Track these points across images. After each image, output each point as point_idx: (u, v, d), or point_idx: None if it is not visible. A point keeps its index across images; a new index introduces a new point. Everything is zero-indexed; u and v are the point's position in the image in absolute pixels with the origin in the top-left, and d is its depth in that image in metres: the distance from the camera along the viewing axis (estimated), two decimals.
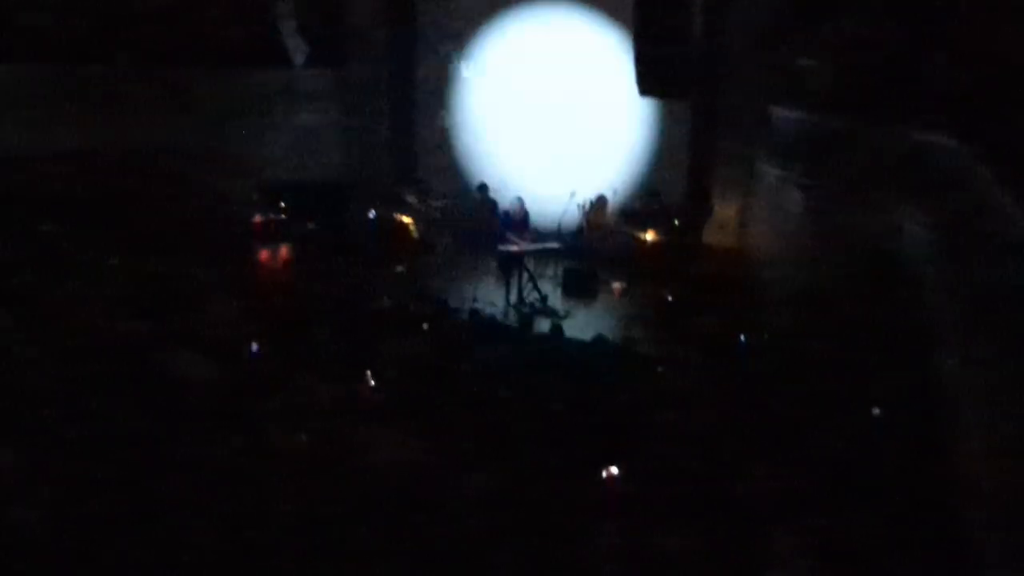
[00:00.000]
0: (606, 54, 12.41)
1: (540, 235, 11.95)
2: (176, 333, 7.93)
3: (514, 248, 11.10)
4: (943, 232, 7.80)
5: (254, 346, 7.79)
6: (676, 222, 11.58)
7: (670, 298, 10.23)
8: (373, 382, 7.43)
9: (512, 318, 10.24)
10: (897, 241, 8.39)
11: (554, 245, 11.58)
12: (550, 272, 11.51)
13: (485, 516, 5.97)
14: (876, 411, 6.79)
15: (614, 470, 6.39)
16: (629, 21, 11.86)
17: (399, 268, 11.14)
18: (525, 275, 10.95)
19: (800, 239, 9.91)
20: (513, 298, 10.78)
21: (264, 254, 10.79)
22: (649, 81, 11.71)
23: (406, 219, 12.28)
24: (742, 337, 8.70)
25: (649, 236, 11.63)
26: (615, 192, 12.48)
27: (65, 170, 10.25)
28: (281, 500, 6.09)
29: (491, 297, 10.74)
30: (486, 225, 12.20)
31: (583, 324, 9.90)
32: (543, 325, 9.83)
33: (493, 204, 12.62)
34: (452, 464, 6.37)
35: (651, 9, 11.59)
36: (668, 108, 12.21)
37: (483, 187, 12.73)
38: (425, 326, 8.81)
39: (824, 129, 9.78)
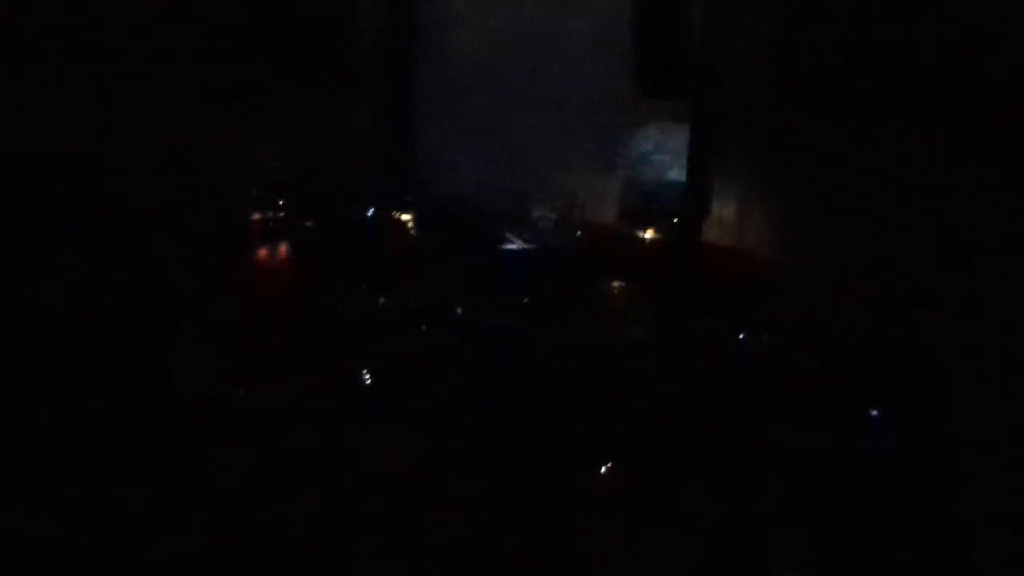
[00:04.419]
0: (606, 52, 12.37)
1: (540, 234, 11.90)
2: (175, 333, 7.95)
3: (514, 247, 11.07)
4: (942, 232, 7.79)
5: None
6: (675, 221, 11.56)
7: (669, 297, 10.21)
8: (369, 380, 7.43)
9: (510, 317, 10.21)
10: (896, 241, 8.38)
11: (553, 244, 11.55)
12: (549, 271, 11.47)
13: (480, 515, 5.98)
14: (874, 412, 6.79)
15: (611, 469, 6.39)
16: (629, 20, 11.81)
17: (398, 267, 11.12)
18: (524, 274, 10.93)
19: (800, 238, 9.89)
20: (512, 297, 10.75)
21: (263, 252, 10.78)
22: (649, 81, 11.68)
23: (405, 217, 12.25)
24: (741, 336, 8.69)
25: (648, 235, 11.61)
26: (615, 192, 12.44)
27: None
28: (279, 500, 6.10)
29: (490, 296, 10.71)
30: (485, 223, 12.16)
31: (582, 323, 9.88)
32: (541, 324, 9.81)
33: (492, 203, 12.57)
34: (447, 463, 6.37)
35: (651, 8, 11.56)
36: (668, 107, 12.15)
37: (482, 186, 12.69)
38: (423, 325, 8.82)
39: (825, 128, 9.76)
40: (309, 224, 11.55)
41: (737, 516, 6.02)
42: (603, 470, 6.38)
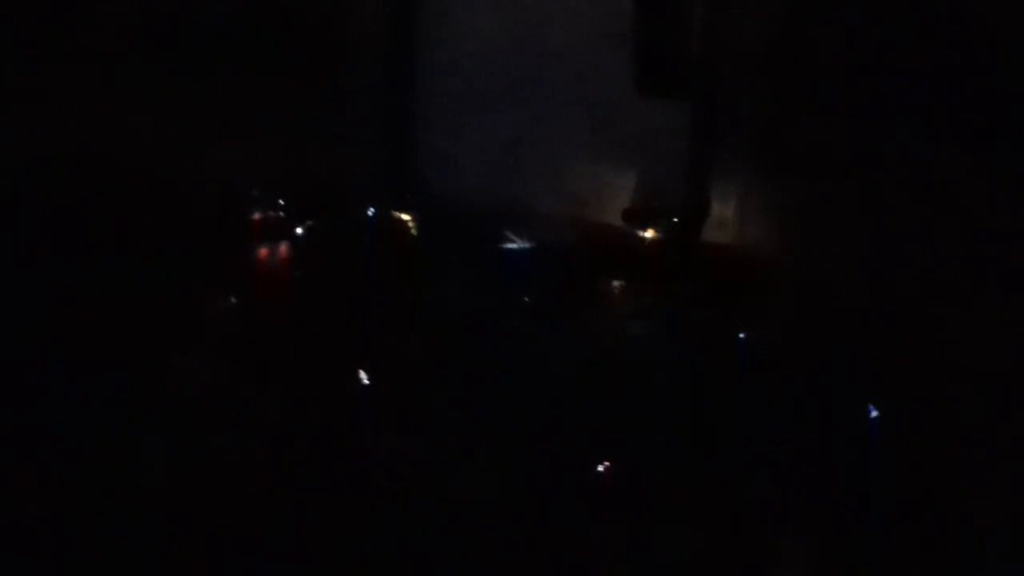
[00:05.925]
0: (606, 51, 12.36)
1: (539, 234, 11.90)
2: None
3: (514, 247, 11.07)
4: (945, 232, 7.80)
5: None
6: (675, 220, 11.55)
7: (669, 296, 10.22)
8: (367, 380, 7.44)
9: (510, 317, 10.22)
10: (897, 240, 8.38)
11: (553, 244, 11.53)
12: (548, 271, 11.47)
13: (480, 514, 5.98)
14: (873, 412, 6.79)
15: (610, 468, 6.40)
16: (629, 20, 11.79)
17: (398, 266, 11.12)
18: (524, 274, 10.93)
19: (800, 238, 9.89)
20: (511, 296, 10.75)
21: (263, 252, 10.77)
22: (649, 80, 11.67)
23: (405, 216, 12.24)
24: (741, 335, 8.69)
25: (649, 234, 11.60)
26: (615, 191, 12.44)
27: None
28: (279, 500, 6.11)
29: (489, 296, 10.72)
30: (485, 222, 12.16)
31: (582, 323, 9.89)
32: (541, 324, 9.83)
33: (492, 202, 12.57)
34: (446, 463, 6.38)
35: (651, 8, 11.54)
36: (668, 107, 12.14)
37: (482, 185, 12.69)
38: (423, 325, 8.83)
39: (826, 129, 9.76)
40: (309, 224, 11.56)
41: (736, 514, 6.02)
42: (602, 469, 6.39)
